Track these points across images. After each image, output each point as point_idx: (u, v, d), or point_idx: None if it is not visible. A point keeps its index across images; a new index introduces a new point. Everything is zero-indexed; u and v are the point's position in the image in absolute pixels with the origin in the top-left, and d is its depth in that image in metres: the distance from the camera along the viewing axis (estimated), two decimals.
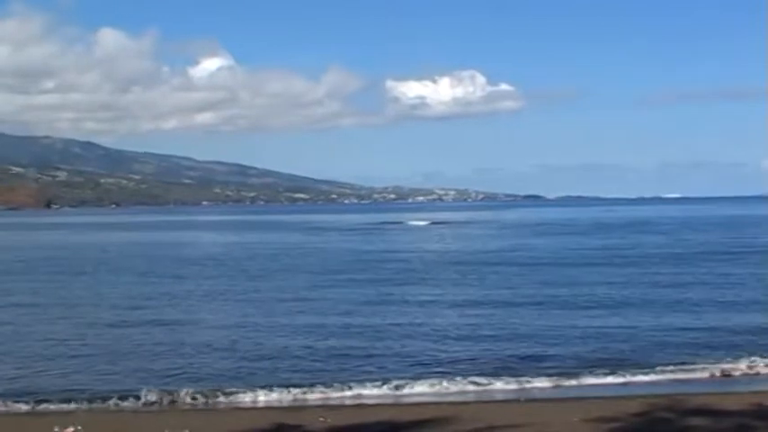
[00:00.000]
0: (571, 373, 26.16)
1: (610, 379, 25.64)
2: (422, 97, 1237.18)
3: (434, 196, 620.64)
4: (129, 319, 38.55)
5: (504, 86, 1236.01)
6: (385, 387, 24.63)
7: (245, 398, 23.69)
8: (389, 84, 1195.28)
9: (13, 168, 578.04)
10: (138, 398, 23.21)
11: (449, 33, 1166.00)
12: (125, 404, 22.93)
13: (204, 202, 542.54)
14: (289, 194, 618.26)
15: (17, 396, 23.44)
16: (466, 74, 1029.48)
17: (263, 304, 43.35)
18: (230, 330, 35.00)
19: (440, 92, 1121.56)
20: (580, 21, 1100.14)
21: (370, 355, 29.35)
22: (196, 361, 28.58)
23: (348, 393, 24.16)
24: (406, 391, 24.42)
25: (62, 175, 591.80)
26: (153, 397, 23.18)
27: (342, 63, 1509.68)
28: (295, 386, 24.55)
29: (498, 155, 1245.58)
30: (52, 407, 22.38)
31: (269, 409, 22.15)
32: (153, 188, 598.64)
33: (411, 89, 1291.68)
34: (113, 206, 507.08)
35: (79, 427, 18.42)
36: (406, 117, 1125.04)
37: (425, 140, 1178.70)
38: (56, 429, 18.35)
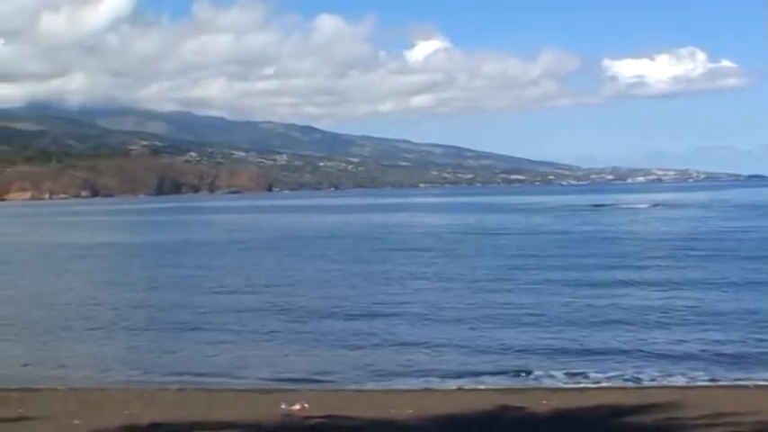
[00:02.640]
0: None
1: None
2: (640, 76, 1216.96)
3: (654, 177, 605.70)
4: (349, 308, 38.76)
5: (725, 63, 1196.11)
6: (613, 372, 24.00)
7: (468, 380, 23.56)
8: (606, 63, 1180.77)
9: (236, 153, 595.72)
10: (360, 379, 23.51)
11: (666, 9, 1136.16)
12: (348, 385, 23.16)
13: (421, 185, 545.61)
14: (505, 176, 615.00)
15: (247, 376, 24.13)
16: (685, 51, 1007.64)
17: (477, 285, 43.05)
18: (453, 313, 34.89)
19: (658, 70, 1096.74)
20: None
21: (587, 337, 28.83)
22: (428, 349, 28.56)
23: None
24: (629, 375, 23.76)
25: (282, 159, 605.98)
26: (371, 384, 23.37)
27: (557, 43, 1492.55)
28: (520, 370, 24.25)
29: (720, 133, 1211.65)
30: (280, 385, 22.86)
31: (492, 390, 21.92)
32: (371, 171, 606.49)
33: (628, 68, 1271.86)
34: (332, 189, 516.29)
35: (306, 405, 18.71)
36: (624, 96, 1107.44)
37: (644, 120, 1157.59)
38: (283, 406, 18.68)
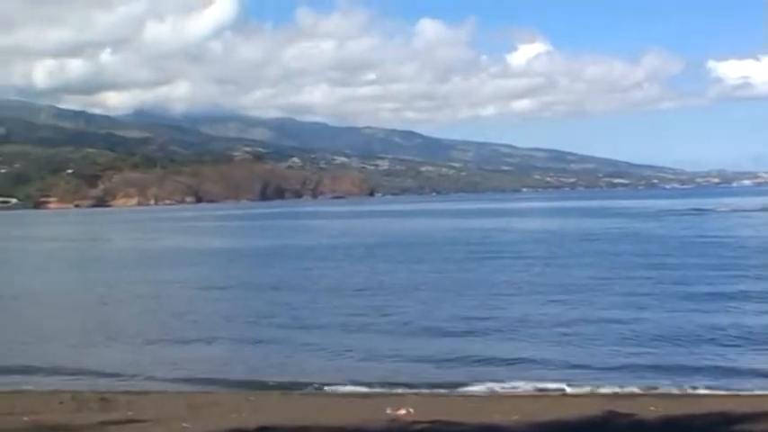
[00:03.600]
0: None
1: None
2: (745, 77, 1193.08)
3: (760, 180, 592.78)
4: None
5: None
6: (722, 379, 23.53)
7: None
8: (710, 64, 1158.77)
9: (338, 158, 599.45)
10: (463, 384, 23.39)
11: None
12: (455, 390, 23.07)
13: (523, 189, 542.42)
14: (608, 180, 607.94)
15: (355, 380, 24.20)
16: None
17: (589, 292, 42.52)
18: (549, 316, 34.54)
19: (764, 71, 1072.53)
20: None
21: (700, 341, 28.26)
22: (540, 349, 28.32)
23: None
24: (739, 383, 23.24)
25: (384, 164, 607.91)
26: (481, 387, 23.25)
27: (660, 44, 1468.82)
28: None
29: None
30: (385, 390, 22.85)
31: (599, 396, 21.62)
32: (472, 176, 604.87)
33: (733, 69, 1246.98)
34: (433, 194, 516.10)
35: (411, 409, 18.68)
36: (729, 98, 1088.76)
37: (750, 122, 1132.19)
38: (388, 411, 18.68)
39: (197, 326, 34.50)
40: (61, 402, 20.23)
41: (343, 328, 32.79)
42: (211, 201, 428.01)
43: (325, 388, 23.36)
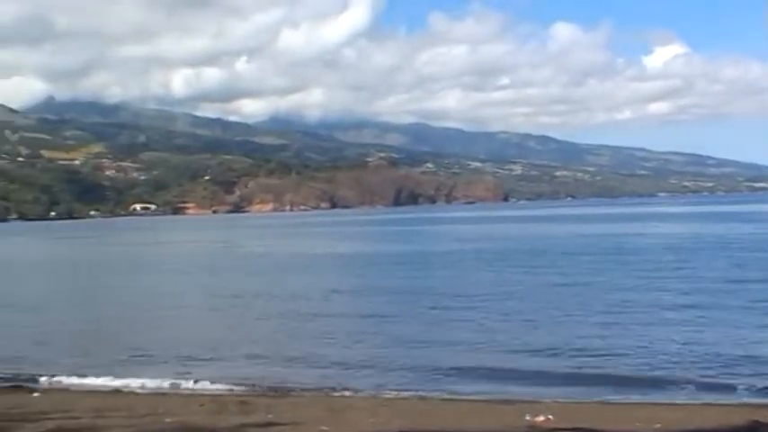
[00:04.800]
0: None
1: None
2: None
3: None
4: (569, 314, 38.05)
5: None
6: None
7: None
8: None
9: (472, 163, 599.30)
10: (601, 392, 23.00)
11: None
12: (595, 397, 22.69)
13: (660, 194, 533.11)
14: (749, 184, 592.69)
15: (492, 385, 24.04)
16: None
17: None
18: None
19: None
20: None
21: None
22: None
23: None
24: None
25: (518, 169, 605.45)
26: (615, 397, 22.81)
27: None
28: None
29: None
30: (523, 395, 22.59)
31: (743, 406, 20.97)
32: (608, 180, 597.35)
33: None
34: (568, 198, 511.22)
35: (550, 416, 18.44)
36: None
37: None
38: (527, 417, 18.47)
39: (331, 329, 34.63)
40: (201, 405, 20.56)
41: (477, 332, 32.55)
42: (346, 206, 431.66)
43: (461, 392, 23.20)
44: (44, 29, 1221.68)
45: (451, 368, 26.46)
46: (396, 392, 23.22)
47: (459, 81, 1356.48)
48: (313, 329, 34.79)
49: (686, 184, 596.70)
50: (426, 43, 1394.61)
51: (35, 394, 22.92)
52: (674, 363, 26.48)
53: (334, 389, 23.96)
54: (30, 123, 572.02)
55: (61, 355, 30.69)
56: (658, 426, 17.69)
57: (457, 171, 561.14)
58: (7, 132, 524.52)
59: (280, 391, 23.50)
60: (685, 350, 28.28)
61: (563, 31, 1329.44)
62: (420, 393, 23.10)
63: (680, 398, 22.35)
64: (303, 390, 23.90)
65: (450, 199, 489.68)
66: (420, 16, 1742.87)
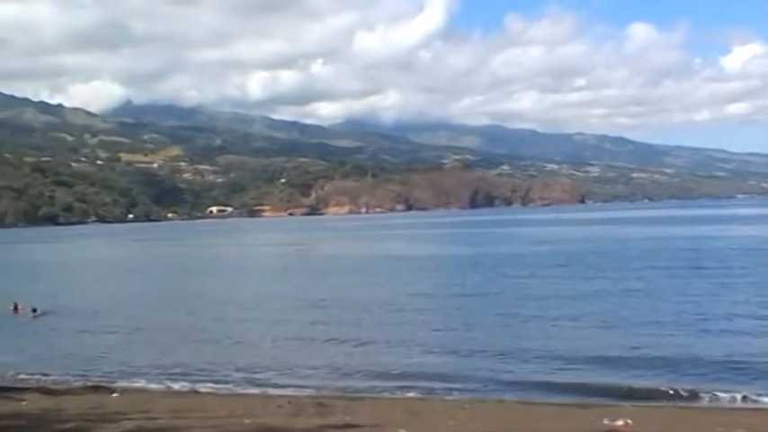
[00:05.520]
0: None
1: None
2: None
3: None
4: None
5: None
6: None
7: None
8: None
9: (548, 165, 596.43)
10: (681, 396, 22.67)
11: None
12: (673, 402, 22.36)
13: (739, 195, 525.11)
14: None
15: (565, 389, 23.81)
16: None
17: None
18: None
19: None
20: None
21: None
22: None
23: None
24: None
25: (594, 171, 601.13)
26: (693, 402, 22.45)
27: None
28: None
29: None
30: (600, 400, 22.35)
31: None
32: (685, 182, 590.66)
33: None
34: (645, 200, 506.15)
35: (629, 420, 18.22)
36: None
37: None
38: (605, 421, 18.28)
39: (408, 332, 34.56)
40: (280, 406, 20.64)
41: (553, 337, 32.24)
42: (421, 208, 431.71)
43: (538, 396, 23.01)
44: (122, 34, 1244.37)
45: (529, 372, 26.28)
46: (474, 396, 23.10)
47: (534, 82, 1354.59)
48: (390, 333, 34.71)
49: (765, 185, 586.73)
50: (502, 45, 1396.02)
51: (114, 395, 23.19)
52: (754, 368, 26.08)
53: (412, 391, 23.90)
54: (108, 127, 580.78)
55: (140, 356, 30.99)
56: (740, 431, 17.39)
57: (533, 173, 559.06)
58: (86, 136, 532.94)
59: (358, 393, 23.49)
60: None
61: (640, 32, 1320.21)
62: (498, 397, 22.95)
63: (763, 402, 21.93)
64: (381, 392, 23.87)
65: (525, 201, 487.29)
66: (496, 18, 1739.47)
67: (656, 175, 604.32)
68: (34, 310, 43.86)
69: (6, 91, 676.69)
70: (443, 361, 28.51)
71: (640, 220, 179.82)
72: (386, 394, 23.50)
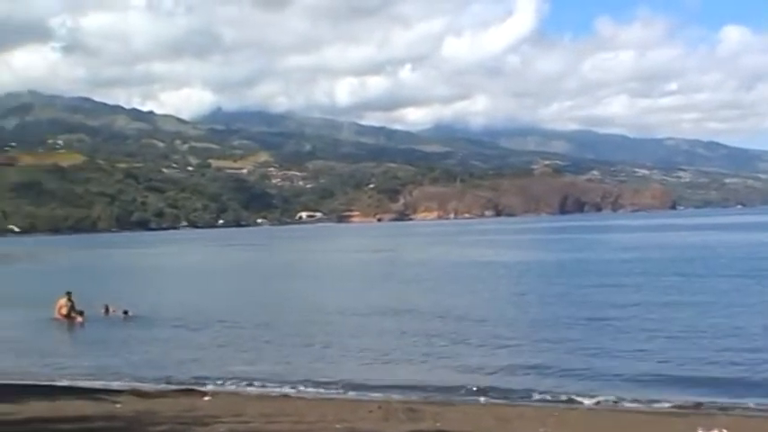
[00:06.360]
0: None
1: None
2: None
3: None
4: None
5: None
6: None
7: None
8: None
9: (639, 171, 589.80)
10: None
11: None
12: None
13: None
14: None
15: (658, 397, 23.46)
16: None
17: None
18: None
19: None
20: None
21: None
22: None
23: None
24: None
25: (686, 176, 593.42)
26: None
27: None
28: None
29: None
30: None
31: None
32: None
33: None
34: (738, 206, 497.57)
35: (724, 430, 17.87)
36: None
37: None
38: (699, 431, 17.96)
39: (501, 337, 34.36)
40: (370, 411, 20.63)
41: (649, 345, 31.79)
42: (510, 214, 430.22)
43: (634, 403, 22.70)
44: (212, 41, 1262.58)
45: (623, 378, 25.96)
46: (564, 403, 22.89)
47: (625, 87, 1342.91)
48: (478, 338, 34.54)
49: None
50: (592, 49, 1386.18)
51: (206, 398, 23.39)
52: None
53: (501, 397, 23.77)
54: (199, 133, 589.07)
55: (231, 360, 31.26)
56: None
57: (623, 178, 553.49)
58: (177, 142, 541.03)
59: (448, 399, 23.41)
60: None
61: (733, 34, 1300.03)
62: (589, 404, 22.72)
63: None
64: (472, 398, 23.77)
65: (616, 207, 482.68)
66: (586, 21, 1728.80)
67: (750, 181, 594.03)
68: (125, 313, 44.56)
69: (99, 99, 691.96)
70: (532, 367, 28.29)
71: (733, 226, 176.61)
72: (476, 400, 23.36)
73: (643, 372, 26.77)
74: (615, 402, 22.93)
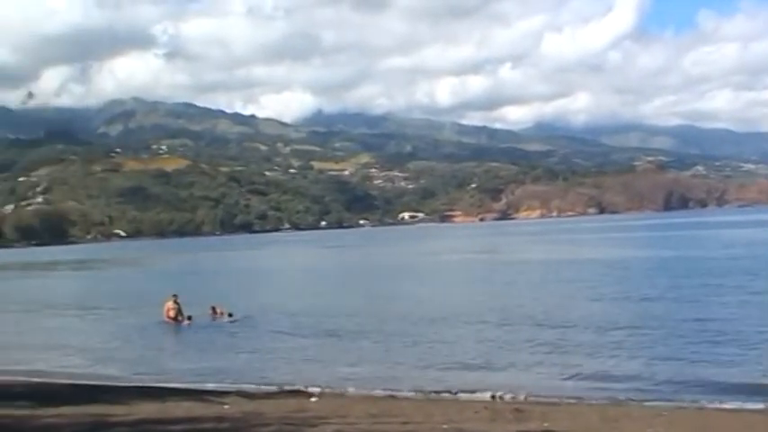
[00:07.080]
0: None
1: None
2: None
3: None
4: None
5: None
6: None
7: None
8: None
9: (744, 165, 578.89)
10: None
11: None
12: None
13: None
14: None
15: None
16: None
17: None
18: None
19: None
20: None
21: None
22: None
23: None
24: None
25: None
26: None
27: None
28: None
29: None
30: None
31: None
32: None
33: None
34: None
35: None
36: None
37: None
38: None
39: (604, 337, 33.96)
40: (476, 412, 20.59)
41: (758, 341, 31.08)
42: (614, 211, 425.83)
43: (744, 404, 22.17)
44: (312, 45, 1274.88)
45: (730, 377, 25.44)
46: (672, 403, 22.47)
47: (728, 80, 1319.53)
48: (584, 338, 34.19)
49: None
50: (694, 43, 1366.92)
51: (312, 399, 23.53)
52: None
53: (608, 397, 23.45)
54: (300, 136, 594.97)
55: (336, 361, 31.38)
56: None
57: (728, 174, 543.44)
58: (279, 145, 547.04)
59: (555, 399, 23.19)
60: None
61: None
62: (698, 404, 22.27)
63: None
64: (577, 397, 23.49)
65: (721, 203, 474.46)
66: (687, 15, 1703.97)
67: None
68: (230, 315, 45.06)
69: (202, 104, 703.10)
70: (639, 366, 27.91)
71: None
72: (582, 400, 23.08)
73: (755, 370, 26.23)
74: (726, 402, 22.44)
